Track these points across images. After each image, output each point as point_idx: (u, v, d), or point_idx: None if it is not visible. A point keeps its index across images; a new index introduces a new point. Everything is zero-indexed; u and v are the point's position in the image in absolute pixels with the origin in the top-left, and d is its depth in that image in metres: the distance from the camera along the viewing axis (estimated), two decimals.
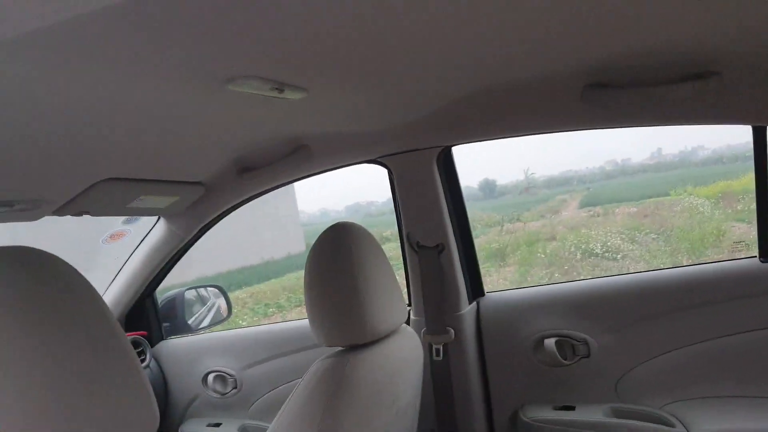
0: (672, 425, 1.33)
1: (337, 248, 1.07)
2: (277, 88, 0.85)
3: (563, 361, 1.45)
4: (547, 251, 8.34)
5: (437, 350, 1.50)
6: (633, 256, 7.47)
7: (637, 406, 1.41)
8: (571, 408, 1.46)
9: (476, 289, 1.60)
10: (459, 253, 1.54)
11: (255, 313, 7.35)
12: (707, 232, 7.55)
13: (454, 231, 1.52)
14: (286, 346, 1.81)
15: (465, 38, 0.79)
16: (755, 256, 1.36)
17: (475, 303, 1.58)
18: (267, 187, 1.66)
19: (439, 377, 1.50)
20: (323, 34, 0.68)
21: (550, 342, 1.46)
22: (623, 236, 8.25)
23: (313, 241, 1.13)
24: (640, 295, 1.42)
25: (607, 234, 8.37)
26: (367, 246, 1.11)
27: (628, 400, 1.42)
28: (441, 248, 1.49)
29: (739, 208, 8.01)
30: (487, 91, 1.15)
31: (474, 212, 12.91)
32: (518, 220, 11.45)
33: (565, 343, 1.46)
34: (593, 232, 8.70)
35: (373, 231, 1.22)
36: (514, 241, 9.47)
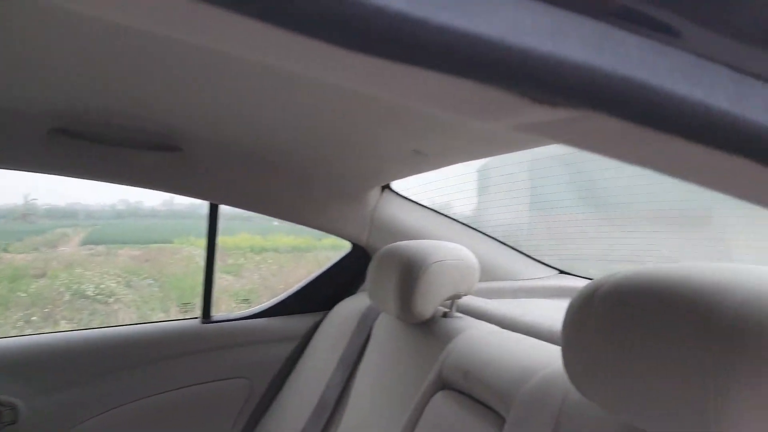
0: None
1: None
2: None
3: None
4: (31, 290, 7.41)
5: None
6: (126, 300, 7.38)
7: None
8: None
9: None
10: None
11: None
12: (198, 282, 8.19)
13: None
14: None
15: None
16: (197, 318, 1.51)
17: None
18: None
19: None
20: None
21: None
22: (120, 279, 8.09)
23: None
24: (81, 352, 1.37)
25: (103, 275, 8.05)
26: None
27: None
28: None
29: (229, 262, 9.08)
30: None
31: None
32: (5, 250, 9.86)
33: None
34: (89, 273, 8.23)
35: None
36: None
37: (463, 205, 1.91)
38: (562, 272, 1.60)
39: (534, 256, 1.59)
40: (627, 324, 0.54)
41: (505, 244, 1.58)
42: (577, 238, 1.78)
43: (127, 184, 1.19)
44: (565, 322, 0.61)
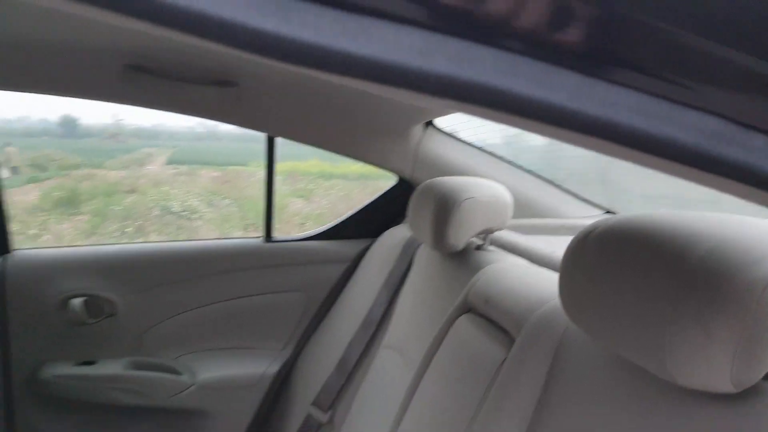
0: (180, 373, 1.55)
1: None
2: None
3: (89, 319, 1.51)
4: (125, 204, 8.08)
5: None
6: (207, 218, 7.92)
7: (154, 358, 1.58)
8: (92, 362, 1.53)
9: (1, 244, 1.50)
10: None
11: None
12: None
13: None
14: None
15: None
16: (260, 237, 1.70)
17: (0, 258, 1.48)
18: None
19: None
20: None
21: (76, 302, 1.49)
22: (202, 198, 8.65)
23: None
24: (167, 261, 1.59)
25: (187, 194, 8.63)
26: None
27: (148, 354, 1.58)
28: None
29: (299, 186, 9.41)
30: (23, 42, 1.12)
31: (50, 151, 11.39)
32: (100, 167, 10.66)
33: (92, 303, 1.52)
34: (174, 191, 8.83)
35: None
36: (93, 189, 8.81)
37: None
38: (608, 212, 1.64)
39: (582, 196, 1.64)
40: (611, 263, 0.62)
41: (550, 182, 1.63)
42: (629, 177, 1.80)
43: (190, 115, 1.34)
44: (564, 256, 0.70)
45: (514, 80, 0.28)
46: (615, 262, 0.62)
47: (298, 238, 1.73)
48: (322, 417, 1.45)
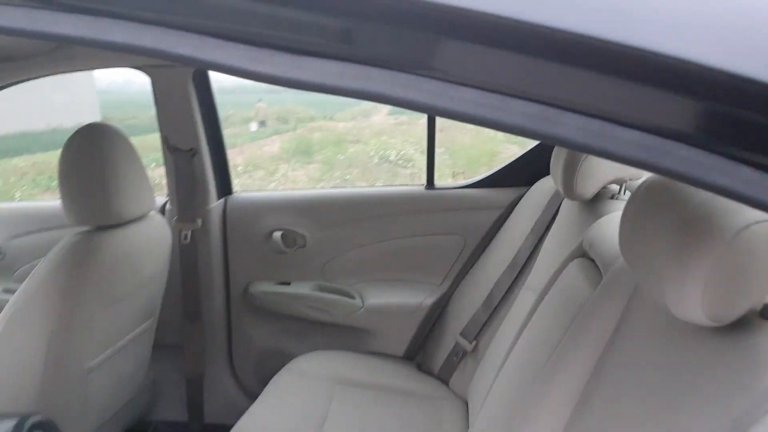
0: (354, 297, 1.85)
1: (90, 145, 1.30)
2: None
3: (286, 249, 1.87)
4: (349, 153, 8.96)
5: (185, 235, 1.80)
6: (419, 166, 8.38)
7: (334, 284, 1.90)
8: (288, 284, 1.90)
9: (225, 188, 1.93)
10: (211, 157, 1.84)
11: (36, 185, 6.89)
12: (483, 152, 8.74)
13: (207, 138, 1.80)
14: (53, 222, 1.98)
15: None
16: (423, 185, 1.88)
17: (223, 200, 1.91)
18: (22, 78, 1.69)
19: (186, 257, 1.83)
20: None
21: (277, 235, 1.86)
22: (417, 147, 9.16)
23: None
24: (345, 205, 1.87)
25: (404, 143, 9.21)
26: (118, 145, 1.35)
27: (329, 280, 1.91)
28: (194, 152, 1.77)
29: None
30: None
31: (289, 105, 13.03)
32: (331, 119, 11.87)
33: (288, 236, 1.88)
34: (393, 140, 9.49)
35: None
36: (324, 140, 9.93)
37: None
38: None
39: None
40: (641, 211, 0.73)
41: None
42: None
43: None
44: (625, 206, 0.78)
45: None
46: (643, 211, 0.71)
47: (457, 186, 1.88)
48: (467, 346, 1.62)
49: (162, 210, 1.87)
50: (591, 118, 0.36)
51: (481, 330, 1.61)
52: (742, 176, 0.34)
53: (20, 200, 5.95)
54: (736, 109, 0.35)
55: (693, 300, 0.57)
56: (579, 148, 0.37)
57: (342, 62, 0.39)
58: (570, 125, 0.37)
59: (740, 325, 0.59)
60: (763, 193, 0.34)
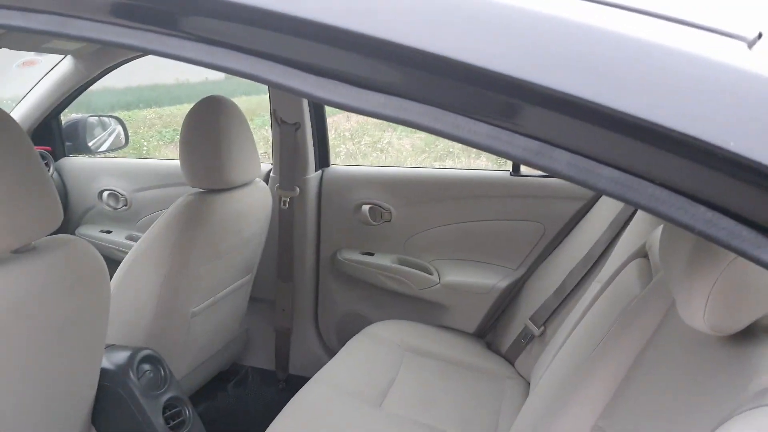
0: (431, 273, 1.96)
1: (208, 117, 1.49)
2: None
3: (372, 222, 2.01)
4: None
5: (284, 201, 1.99)
6: None
7: (414, 258, 2.01)
8: (371, 254, 2.04)
9: (323, 161, 2.08)
10: (312, 131, 1.99)
11: (161, 137, 7.49)
12: None
13: (310, 113, 1.96)
14: (171, 179, 2.24)
15: None
16: (508, 170, 1.92)
17: (320, 171, 2.06)
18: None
19: (284, 222, 2.02)
20: None
21: (365, 207, 2.00)
22: None
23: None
24: (431, 184, 1.97)
25: None
26: (232, 118, 1.53)
27: (410, 254, 2.02)
28: (298, 126, 1.93)
29: None
30: None
31: None
32: None
33: (376, 210, 2.01)
34: None
35: None
36: None
37: None
38: None
39: None
40: None
41: None
42: None
43: None
44: None
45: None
46: None
47: (542, 174, 1.90)
48: (536, 331, 1.69)
49: (266, 177, 2.06)
50: (578, 155, 0.44)
51: (550, 317, 1.67)
52: (701, 216, 0.41)
53: (147, 151, 6.56)
54: (690, 161, 0.42)
55: (695, 308, 0.63)
56: (568, 180, 0.46)
57: (386, 95, 0.49)
58: (561, 161, 0.45)
59: (743, 335, 0.64)
60: (719, 233, 0.41)
